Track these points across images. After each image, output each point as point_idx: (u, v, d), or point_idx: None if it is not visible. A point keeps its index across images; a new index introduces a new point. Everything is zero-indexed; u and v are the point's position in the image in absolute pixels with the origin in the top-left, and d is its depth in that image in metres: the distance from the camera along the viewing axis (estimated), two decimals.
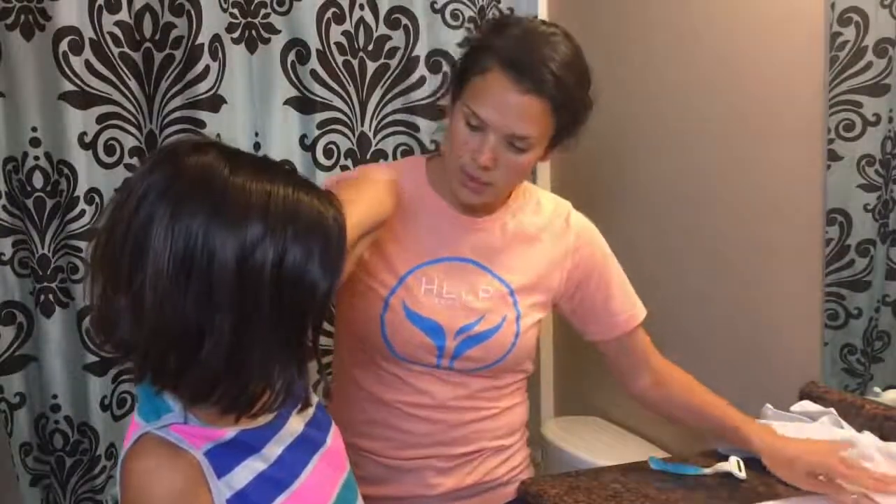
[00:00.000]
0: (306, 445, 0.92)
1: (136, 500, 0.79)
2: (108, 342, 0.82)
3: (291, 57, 1.87)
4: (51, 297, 1.77)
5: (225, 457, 0.83)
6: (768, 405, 1.36)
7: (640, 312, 1.40)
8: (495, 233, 1.30)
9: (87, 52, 1.73)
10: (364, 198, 1.11)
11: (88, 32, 1.72)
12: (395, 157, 1.96)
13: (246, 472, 0.84)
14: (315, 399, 0.97)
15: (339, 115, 1.91)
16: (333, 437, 0.99)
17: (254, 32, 1.84)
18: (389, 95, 1.95)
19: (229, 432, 0.84)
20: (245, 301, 0.77)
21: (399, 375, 1.27)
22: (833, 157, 1.39)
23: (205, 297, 0.76)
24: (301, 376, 0.84)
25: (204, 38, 1.77)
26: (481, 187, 1.21)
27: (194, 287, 0.76)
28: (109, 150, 1.79)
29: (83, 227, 1.75)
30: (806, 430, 1.25)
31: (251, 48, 1.85)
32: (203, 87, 1.79)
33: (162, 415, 0.82)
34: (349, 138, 1.93)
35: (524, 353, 1.32)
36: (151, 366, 0.80)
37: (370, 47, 1.92)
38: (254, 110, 1.87)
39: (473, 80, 1.18)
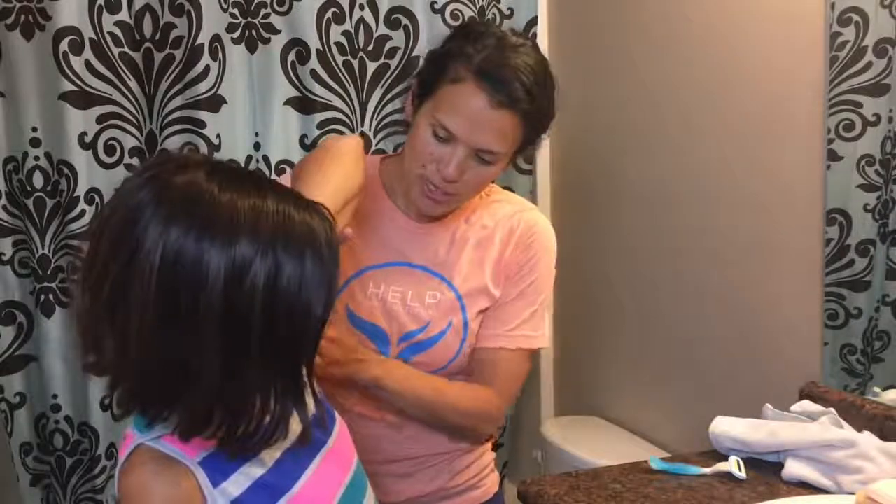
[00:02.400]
0: (308, 447, 0.90)
1: None
2: (91, 365, 0.79)
3: (291, 57, 1.87)
4: (51, 297, 1.77)
5: (221, 464, 0.82)
6: (768, 405, 1.35)
7: (533, 341, 1.27)
8: (447, 237, 1.26)
9: (87, 52, 1.73)
10: (333, 175, 1.08)
11: (88, 32, 1.73)
12: None
13: (243, 478, 0.83)
14: (319, 396, 0.95)
15: (339, 115, 1.92)
16: (338, 435, 0.97)
17: (254, 32, 1.84)
18: (389, 95, 1.95)
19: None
20: (236, 328, 0.74)
21: (347, 379, 1.20)
22: (833, 157, 1.39)
23: (194, 326, 0.74)
24: (299, 407, 0.82)
25: (204, 38, 1.77)
26: (444, 198, 1.18)
27: (182, 316, 0.73)
28: (109, 150, 1.79)
29: (83, 227, 1.75)
30: (806, 430, 1.25)
31: (251, 48, 1.85)
32: (203, 87, 1.79)
33: (154, 426, 0.80)
34: None
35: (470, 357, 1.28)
36: (139, 399, 0.78)
37: (370, 47, 1.93)
38: (254, 110, 1.87)
39: (444, 88, 1.13)
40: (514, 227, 1.27)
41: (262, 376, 0.78)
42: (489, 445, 1.39)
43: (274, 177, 1.86)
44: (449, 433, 1.29)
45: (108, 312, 0.75)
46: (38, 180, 1.74)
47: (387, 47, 1.94)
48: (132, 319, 0.74)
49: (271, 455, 0.86)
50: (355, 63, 1.92)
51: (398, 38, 1.94)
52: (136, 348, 0.74)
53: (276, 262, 0.75)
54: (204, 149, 1.80)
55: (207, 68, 1.79)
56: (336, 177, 1.08)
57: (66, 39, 1.70)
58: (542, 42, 2.14)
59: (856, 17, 1.33)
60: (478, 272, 1.26)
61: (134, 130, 1.81)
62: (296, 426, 0.87)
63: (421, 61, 1.89)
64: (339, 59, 1.90)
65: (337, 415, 1.00)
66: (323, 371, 1.10)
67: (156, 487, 0.79)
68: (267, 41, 1.85)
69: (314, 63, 1.87)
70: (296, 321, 0.77)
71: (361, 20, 1.91)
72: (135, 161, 1.81)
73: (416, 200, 1.20)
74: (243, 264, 0.74)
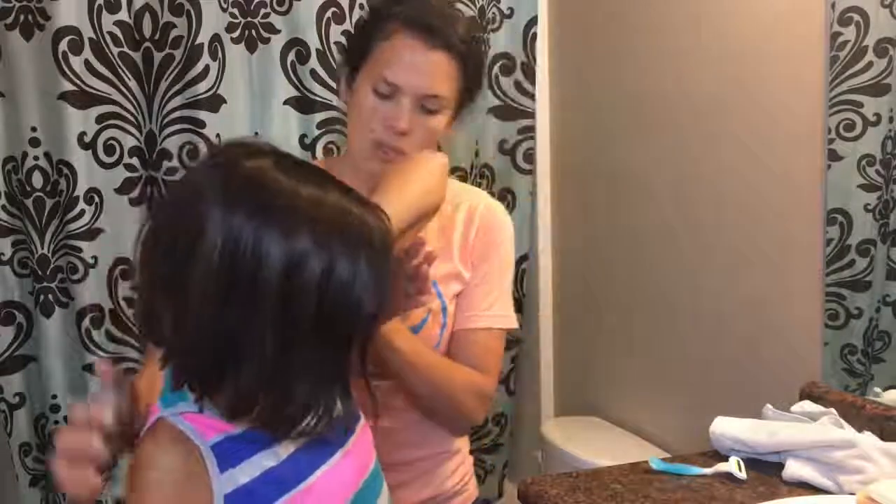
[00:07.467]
0: (325, 443, 0.90)
1: (136, 480, 0.81)
2: (149, 338, 0.82)
3: (291, 57, 1.87)
4: (50, 297, 1.77)
5: (235, 450, 0.82)
6: (768, 405, 1.35)
7: (508, 321, 1.29)
8: None
9: (87, 52, 1.73)
10: (412, 189, 1.08)
11: (88, 32, 1.72)
12: None
13: (253, 467, 0.83)
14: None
15: (339, 114, 1.91)
16: (359, 434, 0.97)
17: (253, 32, 1.84)
18: None
19: (242, 426, 0.83)
20: (289, 316, 0.76)
21: None
22: (833, 157, 1.39)
23: (248, 311, 0.76)
24: (345, 399, 0.83)
25: (203, 37, 1.77)
26: (398, 157, 1.17)
27: (238, 299, 0.75)
28: (109, 149, 1.79)
29: (83, 226, 1.75)
30: (806, 431, 1.25)
31: (251, 48, 1.85)
32: (203, 86, 1.79)
33: (178, 402, 0.82)
34: None
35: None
36: (191, 375, 0.80)
37: None
38: (253, 110, 1.87)
39: (377, 48, 1.15)
40: (472, 209, 1.29)
41: (309, 365, 0.79)
42: (468, 449, 1.39)
43: None
44: (444, 418, 1.27)
45: (168, 289, 0.78)
46: (37, 180, 1.74)
47: None
48: (190, 297, 0.76)
49: (287, 448, 0.86)
50: None
51: None
52: (191, 326, 0.77)
53: (330, 258, 0.77)
54: (204, 149, 1.80)
55: (207, 68, 1.79)
56: (415, 191, 1.08)
57: (66, 39, 1.70)
58: (543, 42, 2.13)
59: (856, 17, 1.33)
60: (446, 256, 1.26)
61: (133, 130, 1.80)
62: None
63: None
64: (339, 58, 1.89)
65: (361, 415, 1.00)
66: None
67: (162, 459, 0.80)
68: (267, 41, 1.85)
69: (314, 63, 1.87)
70: (345, 317, 0.79)
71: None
72: (134, 161, 1.81)
73: (364, 165, 1.18)
74: (300, 256, 0.76)
